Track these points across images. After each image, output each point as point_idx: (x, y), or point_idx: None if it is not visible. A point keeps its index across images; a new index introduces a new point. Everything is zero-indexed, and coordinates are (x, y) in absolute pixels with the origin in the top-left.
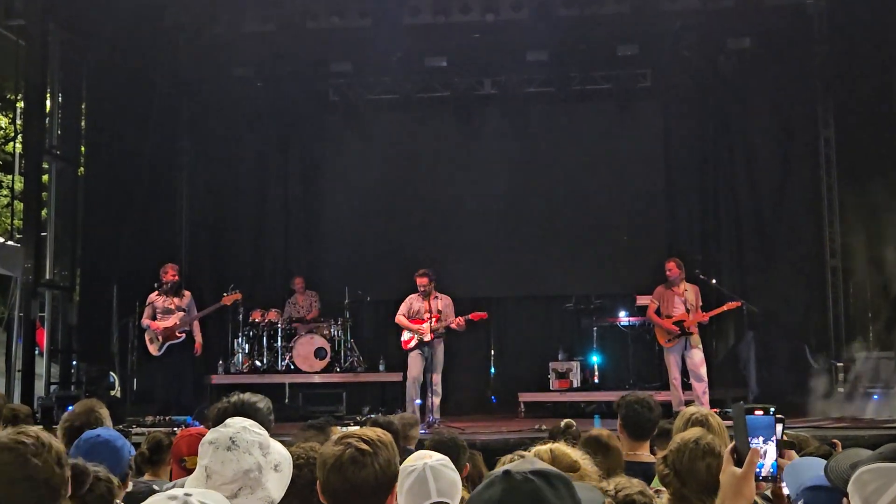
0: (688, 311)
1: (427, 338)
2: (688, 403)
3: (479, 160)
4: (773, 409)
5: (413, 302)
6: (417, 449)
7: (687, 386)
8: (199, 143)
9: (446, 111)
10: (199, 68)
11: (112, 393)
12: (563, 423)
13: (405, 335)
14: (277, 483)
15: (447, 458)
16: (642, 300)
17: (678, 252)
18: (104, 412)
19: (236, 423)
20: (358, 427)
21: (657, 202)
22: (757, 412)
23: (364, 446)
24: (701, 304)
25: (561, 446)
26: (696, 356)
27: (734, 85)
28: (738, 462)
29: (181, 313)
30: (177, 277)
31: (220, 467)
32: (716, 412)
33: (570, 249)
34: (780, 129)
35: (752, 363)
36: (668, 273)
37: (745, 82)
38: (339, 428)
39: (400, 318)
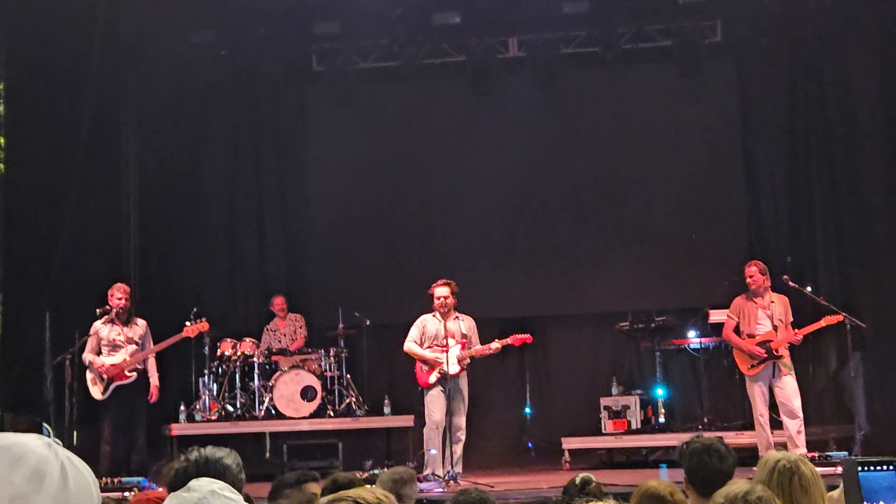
0: (775, 328)
1: (454, 369)
2: (778, 446)
3: (504, 143)
4: (894, 465)
5: (427, 324)
6: None
7: (777, 424)
8: (148, 129)
9: (461, 81)
10: (147, 33)
11: None
12: (578, 479)
13: (422, 368)
14: None
15: None
16: (717, 316)
17: (762, 254)
18: None
19: (203, 486)
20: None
21: (734, 190)
22: (873, 468)
23: None
24: (791, 318)
25: None
26: (788, 385)
27: (830, 38)
28: None
29: (133, 347)
30: (127, 302)
31: None
32: (811, 457)
33: (624, 254)
34: (895, 90)
35: (861, 394)
36: (748, 280)
37: (845, 35)
38: (317, 485)
39: (411, 346)
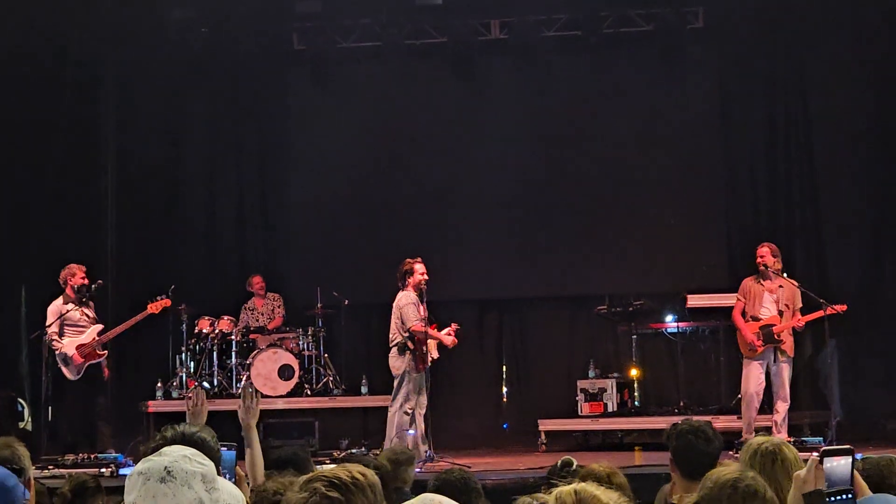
0: (780, 313)
1: (435, 353)
2: (759, 431)
3: (485, 125)
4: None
5: (417, 303)
6: (416, 493)
7: (761, 408)
8: (126, 110)
9: (442, 63)
10: (125, 12)
11: (22, 425)
12: (560, 462)
13: (423, 351)
14: None
15: None
16: (694, 300)
17: (739, 239)
18: (23, 451)
19: (174, 452)
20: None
21: (713, 175)
22: (834, 459)
23: (333, 493)
24: (801, 305)
25: (588, 487)
26: (786, 372)
27: (813, 25)
28: None
29: (100, 326)
30: (87, 281)
31: (152, 503)
32: (789, 441)
33: (602, 237)
34: (874, 81)
35: (836, 380)
36: (758, 261)
37: (827, 21)
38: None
39: (419, 325)
